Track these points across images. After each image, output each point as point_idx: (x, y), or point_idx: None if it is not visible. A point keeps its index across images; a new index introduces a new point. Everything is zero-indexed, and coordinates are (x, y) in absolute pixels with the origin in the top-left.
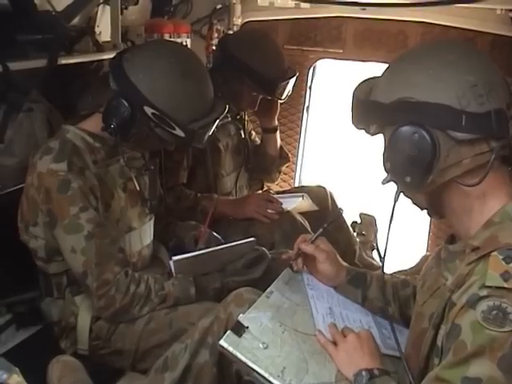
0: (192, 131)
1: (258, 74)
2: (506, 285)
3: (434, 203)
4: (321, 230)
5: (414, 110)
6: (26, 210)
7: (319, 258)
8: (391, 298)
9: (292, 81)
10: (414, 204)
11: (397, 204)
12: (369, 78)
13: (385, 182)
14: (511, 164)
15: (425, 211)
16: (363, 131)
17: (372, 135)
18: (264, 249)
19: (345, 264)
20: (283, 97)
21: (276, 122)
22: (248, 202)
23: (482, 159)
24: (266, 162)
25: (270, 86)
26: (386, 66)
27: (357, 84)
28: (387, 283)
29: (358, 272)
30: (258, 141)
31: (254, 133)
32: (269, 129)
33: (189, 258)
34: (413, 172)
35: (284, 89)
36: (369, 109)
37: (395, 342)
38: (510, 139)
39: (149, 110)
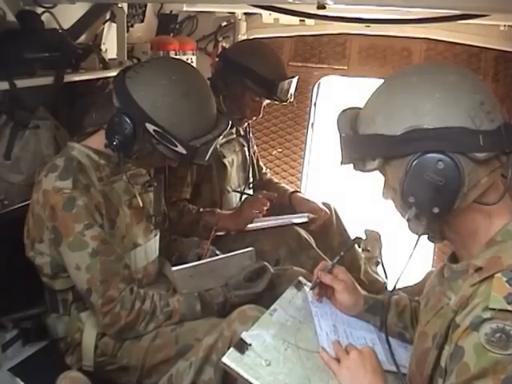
0: (193, 148)
1: (258, 75)
2: (509, 307)
3: (440, 229)
4: (338, 258)
5: (430, 138)
6: (31, 226)
7: (337, 289)
8: (409, 324)
9: (293, 83)
10: (412, 231)
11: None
12: (346, 110)
13: (410, 217)
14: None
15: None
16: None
17: (366, 172)
18: (266, 263)
19: (363, 292)
20: (285, 99)
21: None
22: (243, 208)
23: (496, 176)
24: None
25: (270, 87)
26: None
27: (337, 118)
28: (406, 308)
29: (376, 300)
30: None
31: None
32: None
33: (188, 267)
34: (441, 202)
35: (286, 90)
36: (369, 143)
37: (392, 360)
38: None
39: (151, 127)
